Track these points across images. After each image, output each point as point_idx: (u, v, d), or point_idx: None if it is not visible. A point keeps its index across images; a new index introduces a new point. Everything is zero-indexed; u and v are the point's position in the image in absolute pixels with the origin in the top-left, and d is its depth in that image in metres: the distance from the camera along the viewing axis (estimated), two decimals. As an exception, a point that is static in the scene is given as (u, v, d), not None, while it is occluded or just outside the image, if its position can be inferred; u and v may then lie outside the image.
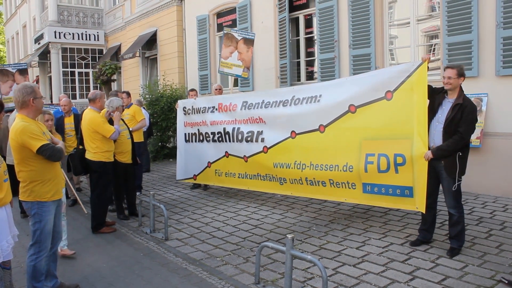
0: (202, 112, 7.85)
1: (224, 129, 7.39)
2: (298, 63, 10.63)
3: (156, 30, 15.92)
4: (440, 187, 4.84)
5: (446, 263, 4.45)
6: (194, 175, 8.14)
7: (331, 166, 5.77)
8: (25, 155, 3.74)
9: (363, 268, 4.44)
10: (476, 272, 4.23)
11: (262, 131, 6.80)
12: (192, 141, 8.12)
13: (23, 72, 9.22)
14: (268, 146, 6.66)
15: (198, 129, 7.95)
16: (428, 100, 4.83)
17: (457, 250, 4.67)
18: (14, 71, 9.16)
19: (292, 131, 6.29)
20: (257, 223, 6.20)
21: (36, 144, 3.70)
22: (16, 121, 3.77)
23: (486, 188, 7.03)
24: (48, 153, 3.76)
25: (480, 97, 7.00)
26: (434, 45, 8.14)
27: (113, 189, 6.59)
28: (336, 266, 4.52)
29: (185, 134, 8.22)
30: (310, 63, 10.51)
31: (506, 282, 3.92)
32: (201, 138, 7.93)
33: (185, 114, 8.21)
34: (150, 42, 16.40)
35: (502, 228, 5.45)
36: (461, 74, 4.58)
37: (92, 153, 6.02)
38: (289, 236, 3.80)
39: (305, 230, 5.77)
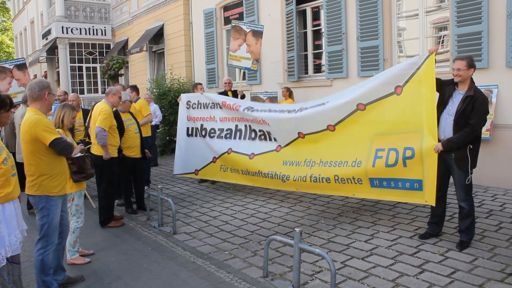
0: (207, 107, 7.78)
1: (237, 126, 7.35)
2: (306, 56, 10.57)
3: (163, 24, 15.90)
4: (451, 180, 4.79)
5: (456, 256, 4.42)
6: (196, 170, 7.97)
7: (340, 163, 5.72)
8: (36, 148, 3.77)
9: (372, 261, 4.42)
10: (486, 265, 4.19)
11: (269, 131, 6.79)
12: (194, 136, 8.00)
13: (22, 67, 9.14)
14: (282, 146, 6.63)
15: (202, 124, 7.84)
16: (438, 93, 4.78)
17: (467, 243, 4.63)
18: (11, 67, 9.10)
19: (299, 132, 6.27)
20: (265, 216, 6.19)
21: (49, 137, 3.75)
22: (29, 114, 3.81)
23: (496, 181, 6.96)
24: (60, 146, 3.80)
25: (490, 89, 6.91)
26: (443, 37, 8.04)
27: (122, 184, 6.62)
28: (345, 260, 4.50)
29: (188, 128, 8.09)
30: (317, 56, 10.44)
31: (517, 275, 3.88)
32: (203, 134, 7.83)
33: (188, 108, 8.08)
34: (157, 36, 16.38)
35: (512, 221, 5.40)
36: (471, 65, 4.51)
37: (96, 147, 6.01)
38: (297, 229, 3.79)
39: (313, 223, 5.75)
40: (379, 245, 4.83)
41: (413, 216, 5.81)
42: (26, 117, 3.81)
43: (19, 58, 10.95)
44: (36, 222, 3.96)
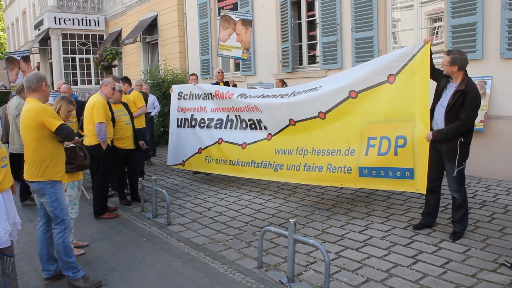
0: (199, 98, 7.72)
1: (228, 116, 7.29)
2: (300, 47, 10.52)
3: (156, 15, 15.77)
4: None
5: (449, 247, 4.44)
6: (183, 161, 7.96)
7: (333, 151, 5.72)
8: (41, 134, 3.87)
9: (366, 252, 4.44)
10: (479, 255, 4.22)
11: (260, 119, 6.74)
12: (183, 127, 7.97)
13: (26, 59, 9.23)
14: (272, 134, 6.59)
15: (192, 115, 7.80)
16: (437, 83, 4.80)
17: (460, 234, 4.66)
18: (19, 58, 9.16)
19: (291, 119, 6.23)
20: (260, 207, 6.19)
21: (56, 123, 3.87)
22: (32, 103, 3.91)
23: (489, 172, 7.00)
24: (65, 132, 3.92)
25: (484, 80, 6.93)
26: (438, 28, 8.03)
27: (115, 175, 6.58)
28: (339, 250, 4.52)
29: (177, 119, 8.07)
30: (312, 47, 10.40)
31: (509, 265, 3.90)
32: (193, 124, 7.78)
33: (179, 99, 8.04)
34: (151, 27, 16.26)
35: (505, 212, 5.43)
36: (453, 63, 4.47)
37: (89, 137, 5.95)
38: (292, 220, 3.79)
39: (307, 214, 5.76)
40: (373, 236, 4.85)
41: (407, 207, 5.83)
42: (31, 105, 3.89)
43: (24, 51, 10.96)
44: (48, 210, 3.99)
